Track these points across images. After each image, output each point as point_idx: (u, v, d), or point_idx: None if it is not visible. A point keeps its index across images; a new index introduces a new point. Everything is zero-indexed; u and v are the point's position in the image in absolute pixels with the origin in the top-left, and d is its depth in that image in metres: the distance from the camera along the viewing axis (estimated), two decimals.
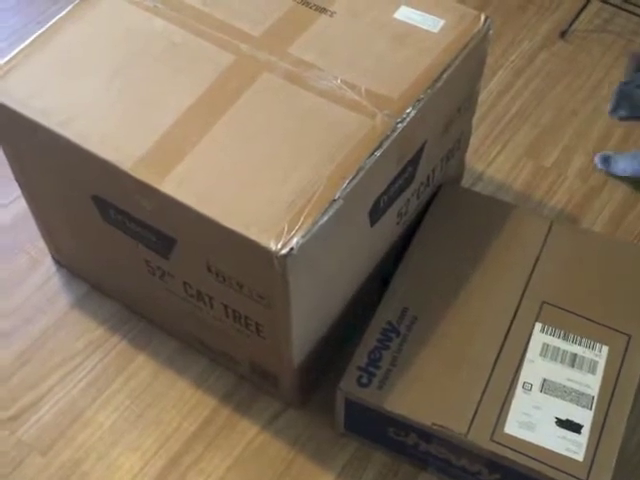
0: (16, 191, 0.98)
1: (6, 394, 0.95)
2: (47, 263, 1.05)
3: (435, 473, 0.88)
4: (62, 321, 1.00)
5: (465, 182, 1.10)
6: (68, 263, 1.04)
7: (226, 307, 0.83)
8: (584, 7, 1.31)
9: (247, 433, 0.92)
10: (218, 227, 0.73)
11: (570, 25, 1.30)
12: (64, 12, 0.89)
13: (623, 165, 1.11)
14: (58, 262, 1.05)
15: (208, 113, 0.79)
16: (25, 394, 0.95)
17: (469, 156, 1.07)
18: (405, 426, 0.82)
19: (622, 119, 1.16)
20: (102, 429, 0.92)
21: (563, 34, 1.30)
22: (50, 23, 0.88)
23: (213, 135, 0.78)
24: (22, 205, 1.01)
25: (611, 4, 1.32)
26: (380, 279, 0.92)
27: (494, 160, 1.15)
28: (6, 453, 0.90)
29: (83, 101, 0.81)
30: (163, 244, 0.82)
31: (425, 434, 0.82)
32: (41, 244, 1.05)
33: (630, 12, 1.30)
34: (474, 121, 1.03)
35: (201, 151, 0.77)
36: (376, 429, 0.86)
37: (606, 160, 1.12)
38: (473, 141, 1.06)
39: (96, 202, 0.84)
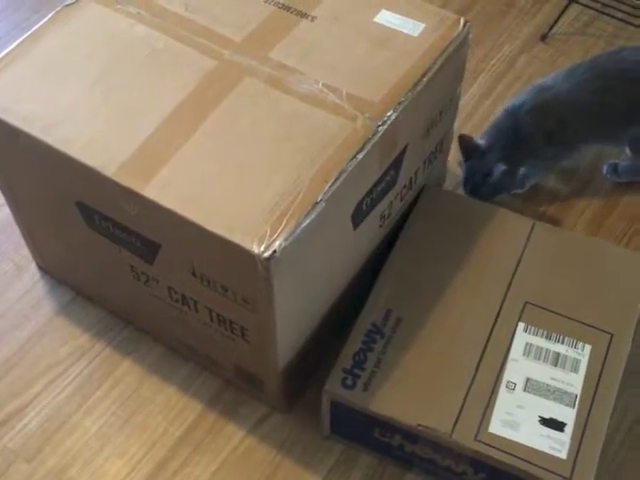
0: None
1: None
2: (31, 270, 1.05)
3: (421, 474, 0.88)
4: (47, 328, 1.00)
5: (448, 185, 1.11)
6: (52, 270, 1.04)
7: (211, 311, 0.84)
8: (564, 11, 1.32)
9: (233, 437, 0.92)
10: (202, 231, 0.73)
11: (550, 28, 1.32)
12: (47, 18, 0.89)
13: (627, 171, 1.13)
14: (42, 269, 1.05)
15: (191, 118, 0.80)
16: (10, 401, 0.94)
17: (451, 159, 1.08)
18: (390, 427, 0.83)
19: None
20: (88, 435, 0.92)
21: (544, 37, 1.32)
22: (33, 29, 0.88)
23: (196, 140, 0.78)
24: (5, 212, 1.02)
25: (591, 8, 1.33)
26: (364, 282, 0.92)
27: None
28: None
29: (66, 107, 0.81)
30: (147, 249, 0.82)
31: (410, 435, 0.82)
32: (25, 251, 1.05)
33: (610, 15, 1.32)
34: (456, 124, 1.04)
35: (184, 156, 0.77)
36: (361, 431, 0.87)
37: (615, 169, 1.13)
38: (455, 144, 1.06)
39: (80, 208, 0.84)
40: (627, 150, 1.13)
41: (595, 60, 1.06)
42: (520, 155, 1.05)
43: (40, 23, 0.89)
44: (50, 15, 0.89)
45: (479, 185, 1.05)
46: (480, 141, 1.06)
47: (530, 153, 1.06)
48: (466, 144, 1.06)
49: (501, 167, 1.03)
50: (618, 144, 1.12)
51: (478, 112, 1.21)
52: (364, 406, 0.82)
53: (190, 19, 0.87)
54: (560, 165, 1.12)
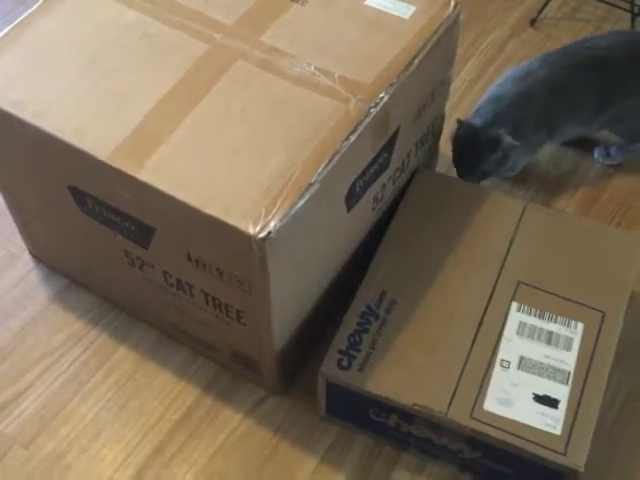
0: None
1: None
2: (25, 258, 1.05)
3: (417, 453, 0.89)
4: (41, 315, 1.00)
5: (440, 168, 1.11)
6: (46, 258, 1.04)
7: (206, 295, 0.84)
8: None
9: (230, 421, 0.93)
10: (196, 213, 0.73)
11: (539, 13, 1.32)
12: (36, 5, 0.89)
13: (618, 153, 1.14)
14: (36, 257, 1.05)
15: (183, 101, 0.80)
16: (6, 388, 0.95)
17: (443, 143, 1.09)
18: (386, 407, 0.83)
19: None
20: (84, 421, 0.92)
21: (533, 22, 1.32)
22: (21, 17, 0.88)
23: (189, 123, 0.78)
24: None
25: None
26: (358, 265, 0.93)
27: None
28: None
29: (58, 92, 0.81)
30: (142, 233, 0.82)
31: (406, 414, 0.83)
32: (18, 239, 1.05)
33: None
34: (447, 108, 1.04)
35: (177, 139, 0.77)
36: (357, 412, 0.87)
37: (607, 153, 1.14)
38: (447, 128, 1.07)
39: (73, 193, 0.84)
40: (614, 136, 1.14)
41: (567, 48, 1.07)
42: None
43: (30, 10, 0.88)
44: (39, 2, 0.89)
45: (478, 164, 1.04)
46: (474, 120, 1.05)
47: (520, 138, 1.06)
48: (465, 129, 1.04)
49: (506, 141, 1.01)
50: (595, 129, 1.12)
51: (468, 96, 1.22)
52: (359, 386, 0.83)
53: (181, 4, 0.87)
54: (543, 148, 1.12)
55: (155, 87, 0.81)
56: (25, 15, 0.88)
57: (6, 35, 0.86)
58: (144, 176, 0.75)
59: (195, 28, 0.85)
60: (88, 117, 0.79)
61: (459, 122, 1.03)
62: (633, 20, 1.28)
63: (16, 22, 0.87)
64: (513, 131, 1.02)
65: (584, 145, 1.15)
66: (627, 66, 1.05)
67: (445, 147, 1.10)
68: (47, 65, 0.84)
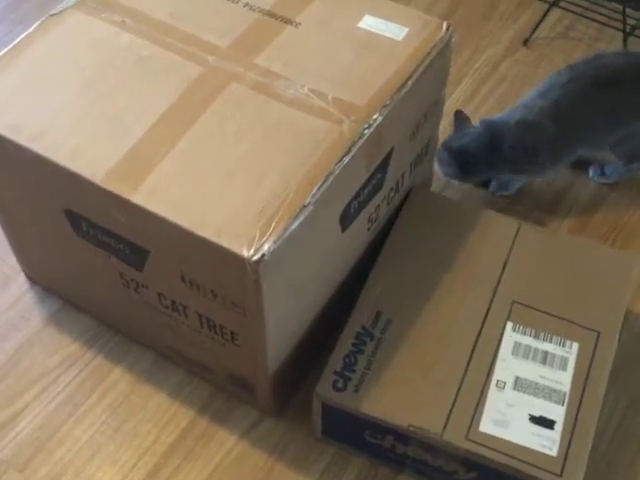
0: None
1: None
2: (20, 280, 1.05)
3: (413, 475, 0.88)
4: (36, 337, 1.00)
5: (434, 188, 1.12)
6: (41, 279, 1.04)
7: (201, 316, 0.84)
8: (545, 15, 1.34)
9: (225, 443, 0.92)
10: (191, 236, 0.73)
11: (532, 33, 1.33)
12: (32, 28, 0.89)
13: (614, 171, 1.14)
14: (31, 279, 1.05)
15: (178, 124, 0.80)
16: (1, 411, 0.94)
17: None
18: (381, 429, 0.83)
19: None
20: (79, 444, 0.92)
21: (526, 42, 1.33)
22: (18, 39, 0.88)
23: (183, 145, 0.78)
24: None
25: (572, 11, 1.35)
26: (352, 286, 0.93)
27: None
28: None
29: (52, 115, 0.81)
30: (136, 256, 0.82)
31: (401, 436, 0.83)
32: (13, 261, 1.05)
33: (590, 19, 1.34)
34: (441, 128, 1.05)
35: (172, 161, 0.77)
36: (353, 433, 0.87)
37: (602, 172, 1.15)
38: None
39: (68, 216, 0.84)
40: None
41: (573, 69, 1.06)
42: (501, 167, 1.07)
43: (25, 33, 0.89)
44: (35, 25, 0.90)
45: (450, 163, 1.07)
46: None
47: (511, 167, 1.07)
48: (461, 119, 1.09)
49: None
50: (601, 150, 1.13)
51: None
52: (355, 408, 0.82)
53: (175, 26, 0.88)
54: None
55: (149, 110, 0.81)
56: (22, 36, 0.88)
57: (3, 56, 0.87)
58: (138, 199, 0.75)
59: (189, 50, 0.86)
60: (83, 140, 0.79)
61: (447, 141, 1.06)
62: (625, 39, 1.29)
63: (13, 43, 0.88)
64: (500, 160, 1.04)
65: (579, 163, 1.16)
66: (632, 87, 1.05)
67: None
68: (42, 87, 0.84)
